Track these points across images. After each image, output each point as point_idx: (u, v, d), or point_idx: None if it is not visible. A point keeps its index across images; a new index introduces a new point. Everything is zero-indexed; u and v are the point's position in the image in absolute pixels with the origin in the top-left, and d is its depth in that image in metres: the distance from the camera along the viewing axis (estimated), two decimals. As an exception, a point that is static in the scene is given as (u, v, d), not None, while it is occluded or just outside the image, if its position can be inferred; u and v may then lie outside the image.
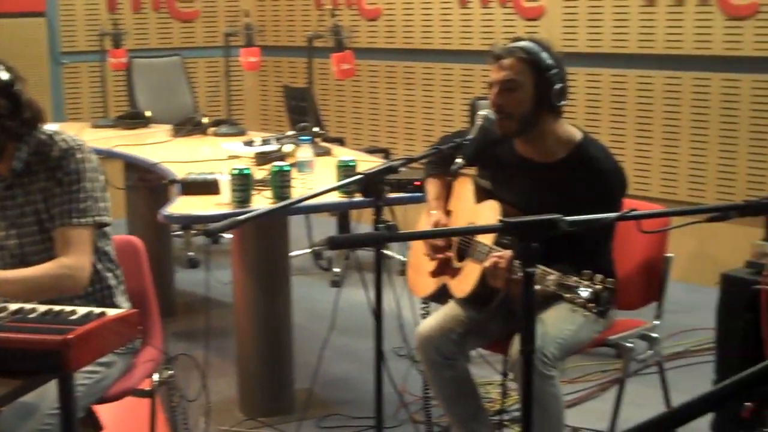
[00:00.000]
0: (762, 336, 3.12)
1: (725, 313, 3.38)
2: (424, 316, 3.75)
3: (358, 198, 3.14)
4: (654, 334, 3.54)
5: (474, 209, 3.50)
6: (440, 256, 3.47)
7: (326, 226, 6.60)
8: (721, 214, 2.36)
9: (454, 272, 3.47)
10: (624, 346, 3.43)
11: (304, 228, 6.39)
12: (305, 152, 4.15)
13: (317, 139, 4.97)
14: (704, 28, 5.95)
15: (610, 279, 2.44)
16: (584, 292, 2.44)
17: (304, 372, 4.30)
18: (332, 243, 2.10)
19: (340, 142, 6.35)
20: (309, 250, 6.51)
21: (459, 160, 3.24)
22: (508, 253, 3.03)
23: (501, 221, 2.25)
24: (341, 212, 6.34)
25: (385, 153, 6.57)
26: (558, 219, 2.20)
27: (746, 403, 1.81)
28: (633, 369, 3.56)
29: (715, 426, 3.39)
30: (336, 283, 6.09)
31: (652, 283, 3.60)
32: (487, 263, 3.08)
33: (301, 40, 8.24)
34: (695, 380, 4.45)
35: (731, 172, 5.91)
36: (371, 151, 6.17)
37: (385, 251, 6.02)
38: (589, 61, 6.45)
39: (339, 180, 3.94)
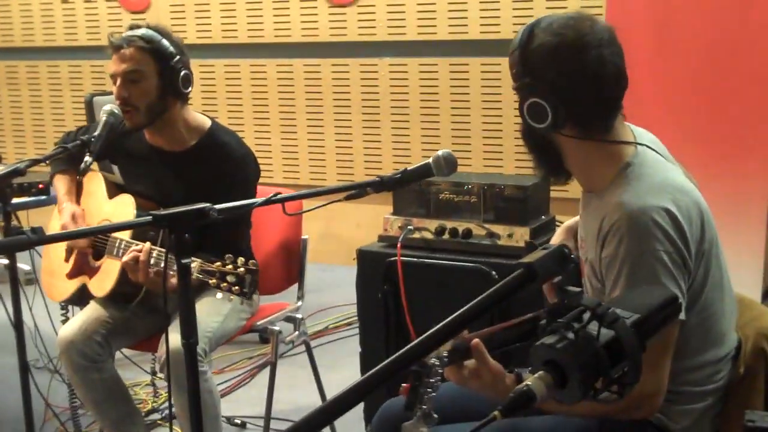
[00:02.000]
0: (403, 303, 3.28)
1: (364, 287, 3.51)
2: (64, 321, 3.60)
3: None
4: (298, 315, 3.63)
5: (107, 205, 3.40)
6: (85, 247, 3.33)
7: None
8: (358, 191, 2.45)
9: (93, 271, 3.36)
10: (272, 330, 3.48)
11: None
12: None
13: None
14: (310, 16, 6.14)
15: (253, 261, 2.46)
16: (229, 277, 2.45)
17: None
18: (-24, 253, 1.95)
19: (-58, 149, 5.91)
20: None
21: (87, 158, 3.13)
22: (147, 245, 2.96)
23: (150, 214, 2.18)
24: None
25: (-4, 158, 6.20)
26: (208, 208, 2.18)
27: (403, 384, 1.89)
28: (281, 351, 3.62)
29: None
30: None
31: (291, 265, 3.68)
32: (126, 258, 2.99)
33: None
34: (339, 354, 4.62)
35: (348, 153, 6.16)
36: (-19, 156, 5.81)
37: (4, 261, 5.70)
38: (200, 53, 6.45)
39: (-46, 189, 3.67)
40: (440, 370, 1.89)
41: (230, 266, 2.45)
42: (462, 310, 1.30)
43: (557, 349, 1.21)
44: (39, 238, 1.97)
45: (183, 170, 3.30)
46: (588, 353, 1.21)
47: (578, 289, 1.26)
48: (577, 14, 2.18)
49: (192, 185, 3.24)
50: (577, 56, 2.10)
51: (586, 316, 1.25)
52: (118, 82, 3.21)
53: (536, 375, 1.21)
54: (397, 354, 1.34)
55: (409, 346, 1.35)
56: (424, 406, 1.86)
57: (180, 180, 3.29)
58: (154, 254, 2.95)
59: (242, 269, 2.43)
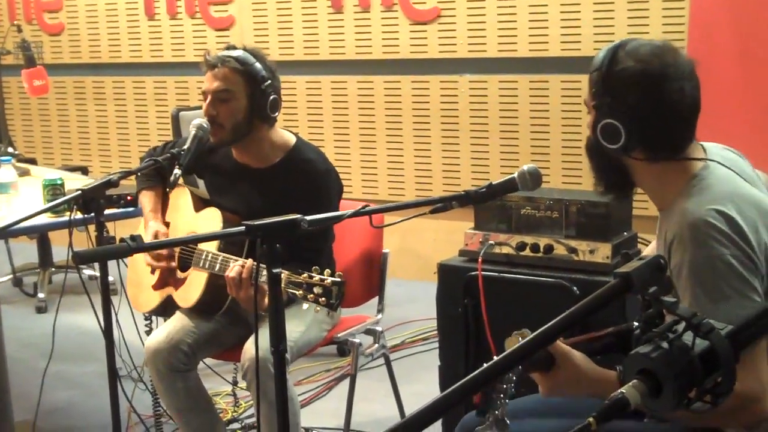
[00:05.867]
0: (484, 318, 3.30)
1: (444, 301, 3.53)
2: (148, 332, 3.68)
3: (78, 216, 3.02)
4: (378, 328, 3.67)
5: (194, 218, 3.46)
6: (164, 264, 3.40)
7: (24, 251, 6.31)
8: (444, 205, 2.49)
9: (178, 283, 3.42)
10: (353, 342, 3.52)
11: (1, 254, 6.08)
12: (7, 173, 3.94)
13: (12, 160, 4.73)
14: (391, 33, 6.20)
15: (339, 273, 2.49)
16: (315, 288, 2.49)
17: (21, 404, 4.08)
18: (79, 258, 2.02)
19: (31, 162, 6.05)
20: (9, 277, 6.17)
21: (177, 171, 3.20)
22: (250, 262, 3.01)
23: (243, 224, 2.24)
24: (41, 235, 6.07)
25: (83, 171, 6.33)
26: (300, 219, 2.23)
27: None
28: (359, 364, 3.66)
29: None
30: (41, 309, 5.83)
31: (372, 278, 3.72)
32: (232, 274, 3.04)
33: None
34: (415, 368, 4.66)
35: (426, 169, 6.19)
36: (68, 169, 5.95)
37: (90, 271, 5.83)
38: (282, 69, 6.45)
39: (46, 200, 3.78)
40: (513, 377, 1.91)
41: (317, 278, 2.49)
42: (555, 320, 1.32)
43: (652, 358, 1.23)
44: (138, 246, 2.03)
45: (267, 186, 3.36)
46: (682, 363, 1.23)
47: (673, 299, 1.27)
48: (662, 43, 2.24)
49: (276, 201, 3.28)
50: (660, 86, 2.16)
51: (681, 326, 1.26)
52: (209, 99, 3.28)
53: (630, 383, 1.23)
54: (483, 368, 1.35)
55: (496, 359, 1.36)
56: (497, 412, 1.89)
57: (264, 196, 3.35)
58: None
59: (329, 281, 2.47)
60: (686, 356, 1.22)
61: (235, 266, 3.04)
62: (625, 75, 2.17)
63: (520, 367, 1.91)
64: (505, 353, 1.36)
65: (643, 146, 2.19)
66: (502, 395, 1.89)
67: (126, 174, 3.11)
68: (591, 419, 1.20)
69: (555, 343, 2.00)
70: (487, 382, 1.38)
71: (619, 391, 1.22)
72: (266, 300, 2.67)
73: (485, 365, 1.35)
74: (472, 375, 1.34)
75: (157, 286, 3.49)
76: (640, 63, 2.17)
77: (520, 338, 1.88)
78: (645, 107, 2.16)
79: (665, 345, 1.24)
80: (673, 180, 2.21)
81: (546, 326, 1.30)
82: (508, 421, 1.90)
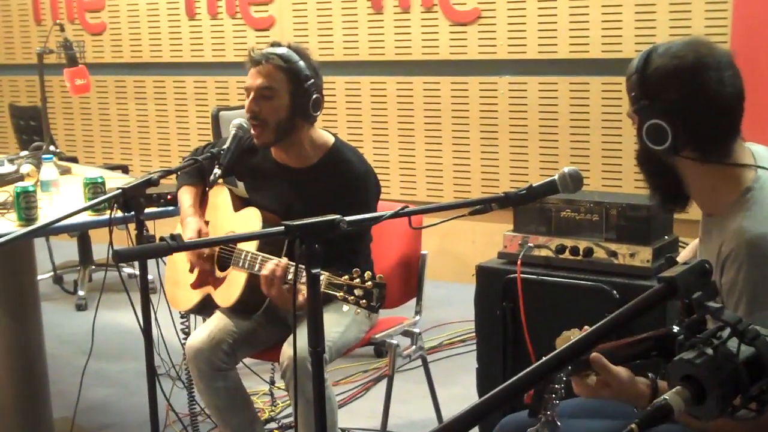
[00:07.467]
0: (522, 321, 3.28)
1: (483, 303, 3.52)
2: (185, 331, 3.69)
3: (119, 214, 3.03)
4: (416, 330, 3.66)
5: (233, 218, 3.47)
6: (207, 265, 3.40)
7: (64, 249, 6.36)
8: (483, 207, 2.47)
9: (218, 282, 3.43)
10: (390, 343, 3.52)
11: (41, 252, 6.12)
12: (49, 171, 3.97)
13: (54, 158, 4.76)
14: (431, 34, 6.19)
15: (380, 275, 2.49)
16: (356, 290, 2.48)
17: (60, 401, 4.12)
18: (118, 256, 2.03)
19: (73, 160, 6.10)
20: (50, 274, 6.22)
21: (217, 171, 3.21)
22: (284, 260, 3.01)
23: (282, 224, 2.24)
24: (81, 233, 6.12)
25: (124, 170, 6.38)
26: (339, 219, 2.22)
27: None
28: (397, 365, 3.66)
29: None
30: (81, 307, 5.87)
31: (410, 280, 3.71)
32: (265, 272, 3.04)
33: (22, 57, 7.90)
34: (453, 370, 4.64)
35: (465, 171, 6.17)
36: (109, 168, 5.99)
37: (130, 270, 5.88)
38: (322, 70, 6.46)
39: (87, 198, 3.80)
40: (564, 378, 1.89)
41: (358, 280, 2.49)
42: (600, 324, 1.30)
43: (696, 364, 1.21)
44: (179, 245, 2.04)
45: (305, 186, 3.35)
46: (727, 369, 1.21)
47: (719, 305, 1.26)
48: (694, 39, 2.20)
49: (314, 201, 3.28)
50: (697, 78, 2.11)
51: (725, 332, 1.25)
52: (251, 96, 3.29)
53: (674, 389, 1.21)
54: (528, 369, 1.34)
55: (537, 364, 1.35)
56: (548, 413, 1.87)
57: (302, 196, 3.35)
58: (291, 269, 3.00)
59: (370, 283, 2.47)
60: (731, 363, 1.21)
61: (270, 264, 3.04)
62: (662, 73, 2.13)
63: (569, 368, 1.90)
64: (546, 357, 1.35)
65: (691, 144, 2.13)
66: (553, 396, 1.88)
67: (166, 173, 3.12)
68: (634, 426, 1.18)
69: (598, 359, 1.97)
70: (532, 384, 1.36)
71: (662, 397, 1.20)
72: (300, 298, 2.66)
73: (530, 367, 1.33)
74: (518, 375, 1.32)
75: (196, 285, 3.50)
76: (674, 59, 2.13)
77: (571, 337, 1.86)
78: (686, 101, 2.11)
79: (710, 351, 1.22)
80: (724, 188, 2.16)
81: (590, 330, 1.29)
82: (558, 423, 1.88)
